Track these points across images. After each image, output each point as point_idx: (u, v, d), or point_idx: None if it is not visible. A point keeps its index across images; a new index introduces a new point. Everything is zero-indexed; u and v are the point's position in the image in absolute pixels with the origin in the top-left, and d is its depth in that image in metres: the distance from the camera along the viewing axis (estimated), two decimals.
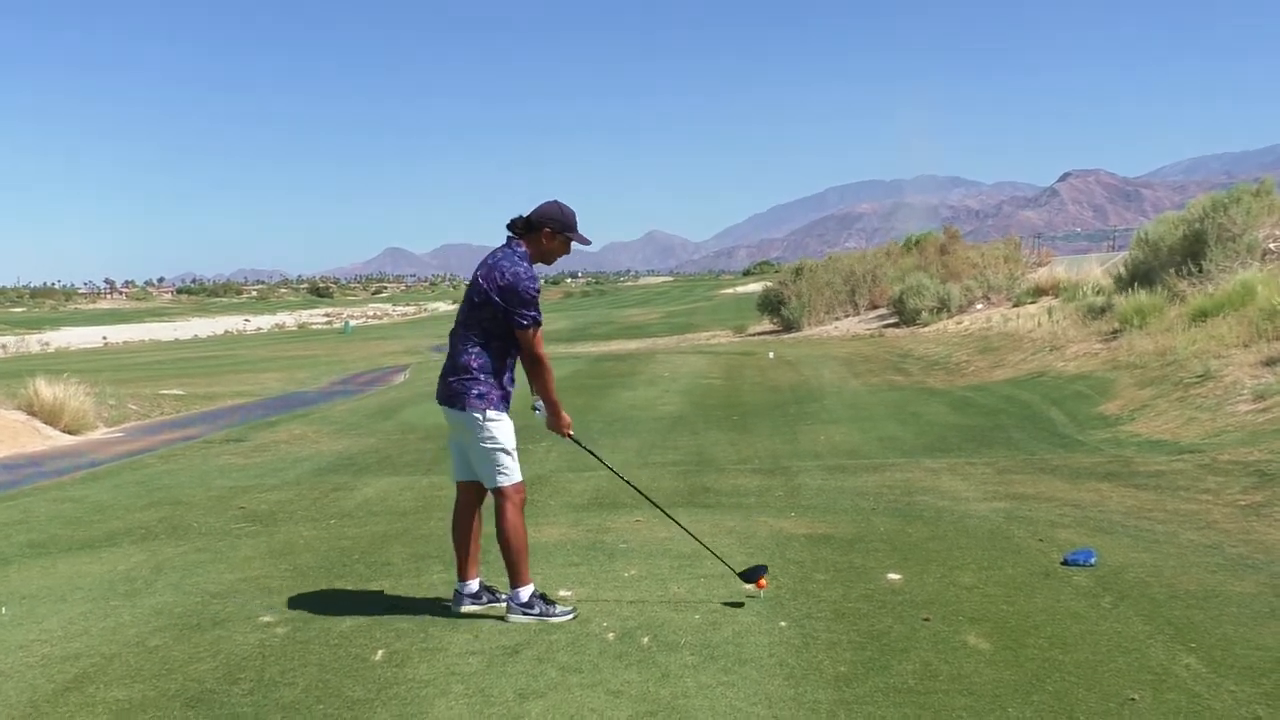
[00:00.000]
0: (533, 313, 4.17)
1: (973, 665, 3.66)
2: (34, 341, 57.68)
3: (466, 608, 4.45)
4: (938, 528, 6.02)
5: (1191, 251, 16.65)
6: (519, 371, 4.37)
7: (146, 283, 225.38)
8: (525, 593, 4.28)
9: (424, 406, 15.09)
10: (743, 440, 11.20)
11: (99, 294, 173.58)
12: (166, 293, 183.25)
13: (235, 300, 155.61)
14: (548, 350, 4.36)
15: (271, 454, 11.32)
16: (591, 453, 4.81)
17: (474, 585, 4.48)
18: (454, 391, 4.23)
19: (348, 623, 4.31)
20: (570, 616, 4.25)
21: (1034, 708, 3.30)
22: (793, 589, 4.62)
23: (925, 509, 6.70)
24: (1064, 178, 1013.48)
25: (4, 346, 53.18)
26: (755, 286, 51.95)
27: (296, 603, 4.69)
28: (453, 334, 4.35)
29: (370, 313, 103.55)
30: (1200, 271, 15.80)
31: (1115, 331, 15.30)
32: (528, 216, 4.30)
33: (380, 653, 3.91)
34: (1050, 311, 19.77)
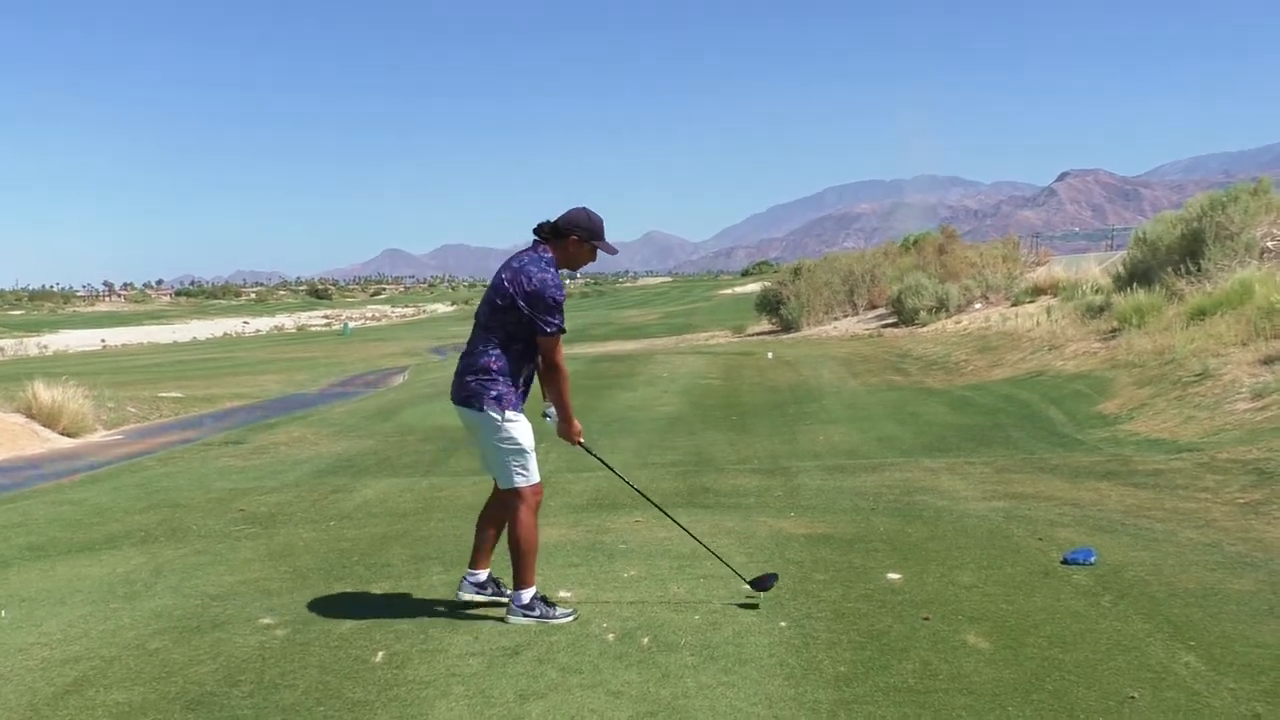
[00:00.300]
0: (557, 320, 4.15)
1: (972, 664, 3.67)
2: (32, 344, 57.69)
3: (468, 594, 4.45)
4: (937, 527, 6.02)
5: (1190, 250, 16.67)
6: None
7: (145, 285, 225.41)
8: (527, 594, 4.28)
9: (423, 408, 15.09)
10: (742, 440, 11.20)
11: (98, 296, 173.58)
12: (165, 295, 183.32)
13: (234, 302, 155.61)
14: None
15: (271, 456, 11.30)
16: (602, 460, 4.78)
17: (482, 575, 4.49)
18: (471, 391, 4.19)
19: (348, 624, 4.31)
20: (570, 618, 4.26)
21: (1034, 706, 3.31)
22: (792, 589, 4.62)
23: (924, 509, 6.70)
24: (1062, 177, 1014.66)
25: (2, 350, 53.16)
26: (754, 287, 51.96)
27: (296, 605, 4.69)
28: (472, 333, 4.31)
29: (369, 314, 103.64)
30: (1198, 270, 15.81)
31: (1114, 330, 15.31)
32: (555, 222, 4.27)
33: (380, 654, 3.92)
34: (1049, 311, 19.77)
